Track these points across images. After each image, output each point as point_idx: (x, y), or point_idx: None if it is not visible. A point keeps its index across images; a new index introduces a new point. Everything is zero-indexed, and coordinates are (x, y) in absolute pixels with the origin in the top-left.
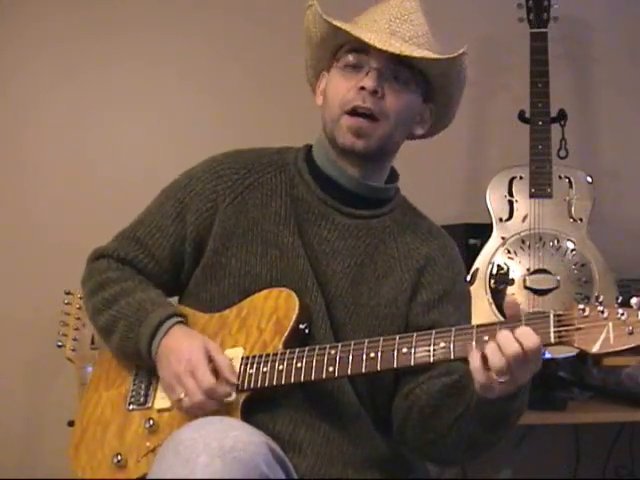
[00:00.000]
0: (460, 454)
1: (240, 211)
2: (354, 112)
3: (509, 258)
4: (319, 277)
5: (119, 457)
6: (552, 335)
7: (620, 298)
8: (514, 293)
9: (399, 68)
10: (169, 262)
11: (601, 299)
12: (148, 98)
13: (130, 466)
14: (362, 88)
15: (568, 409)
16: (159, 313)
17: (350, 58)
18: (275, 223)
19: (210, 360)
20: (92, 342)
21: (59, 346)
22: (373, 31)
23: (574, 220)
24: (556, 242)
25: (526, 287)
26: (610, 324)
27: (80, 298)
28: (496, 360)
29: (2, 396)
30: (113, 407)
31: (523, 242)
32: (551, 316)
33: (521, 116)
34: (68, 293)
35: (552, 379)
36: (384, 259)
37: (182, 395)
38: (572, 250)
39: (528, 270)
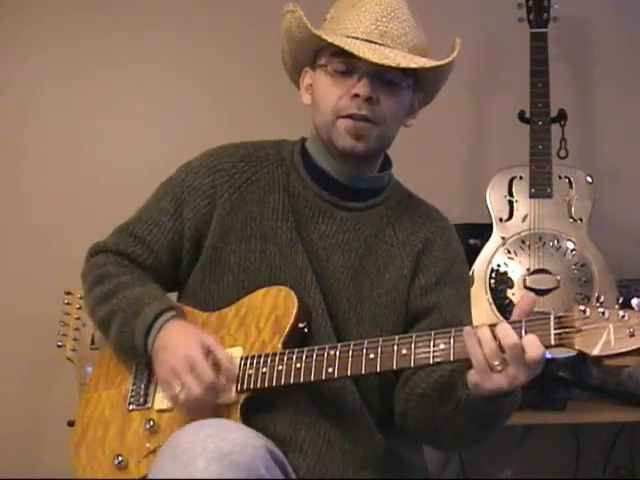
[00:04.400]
0: (456, 445)
1: (238, 207)
2: (350, 117)
3: (509, 258)
4: (320, 272)
5: (120, 458)
6: (552, 337)
7: (621, 299)
8: (514, 293)
9: (390, 70)
10: (168, 257)
11: (602, 300)
12: (146, 97)
13: (131, 467)
14: (356, 95)
15: (568, 409)
16: (154, 307)
17: (340, 65)
18: (273, 219)
19: (208, 354)
20: (92, 342)
21: (59, 346)
22: (361, 34)
23: (574, 220)
24: (556, 242)
25: (526, 287)
26: (611, 326)
27: (80, 298)
28: (488, 343)
29: (2, 396)
30: (113, 407)
31: (523, 242)
32: (551, 318)
33: (521, 116)
34: (68, 293)
35: (552, 379)
36: (384, 248)
37: (178, 389)
38: (572, 250)
39: (528, 270)
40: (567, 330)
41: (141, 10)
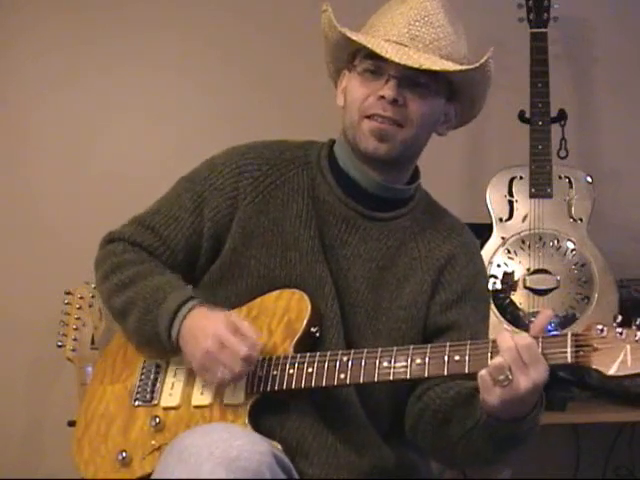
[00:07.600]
0: (467, 463)
1: (261, 210)
2: (375, 118)
3: (509, 258)
4: (339, 282)
5: (124, 454)
6: (569, 355)
7: (639, 320)
8: (514, 294)
9: (419, 73)
10: (184, 255)
11: (619, 319)
12: (149, 100)
13: (135, 464)
14: (382, 97)
15: (568, 409)
16: (177, 296)
17: (369, 65)
18: (296, 225)
19: (236, 330)
20: (92, 342)
21: (59, 346)
22: (392, 37)
23: (574, 220)
24: (556, 242)
25: (526, 287)
26: (628, 346)
27: (80, 298)
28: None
29: (2, 396)
30: (118, 402)
31: (523, 242)
32: (569, 336)
33: (521, 116)
34: (68, 293)
35: (552, 379)
36: (405, 261)
37: (222, 369)
38: (572, 250)
39: (528, 270)
40: (584, 348)
41: (143, 15)
